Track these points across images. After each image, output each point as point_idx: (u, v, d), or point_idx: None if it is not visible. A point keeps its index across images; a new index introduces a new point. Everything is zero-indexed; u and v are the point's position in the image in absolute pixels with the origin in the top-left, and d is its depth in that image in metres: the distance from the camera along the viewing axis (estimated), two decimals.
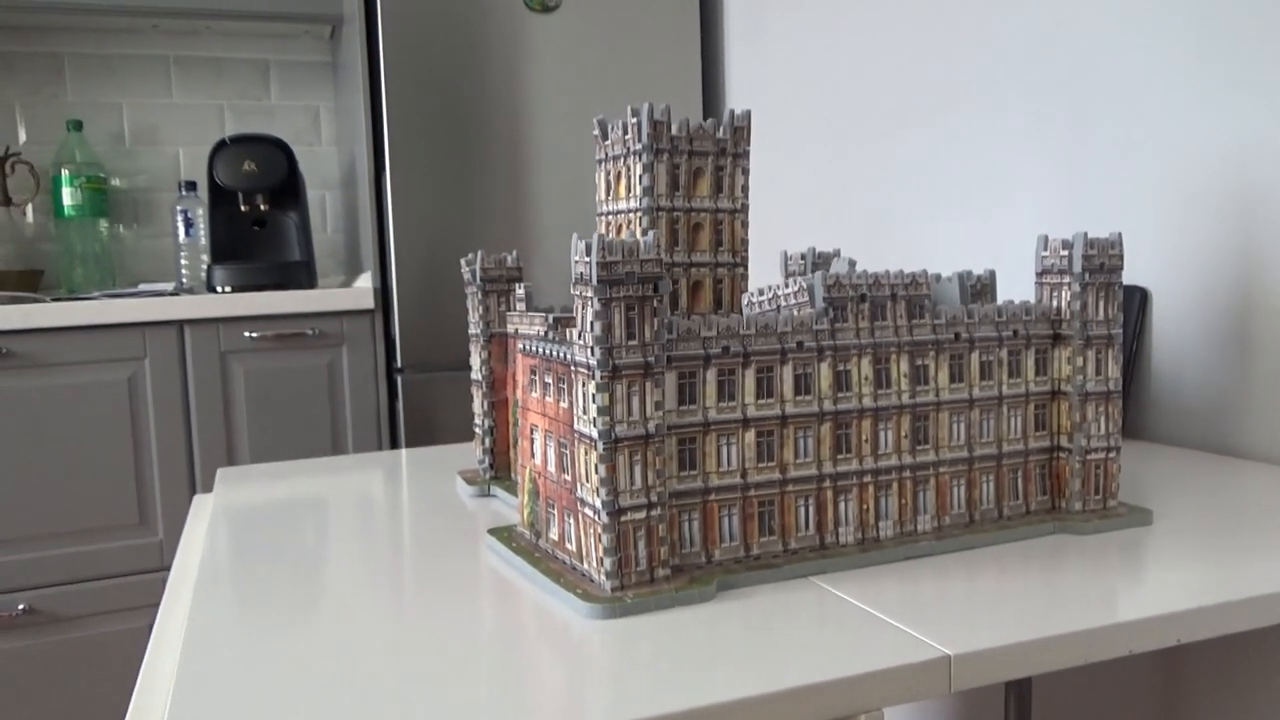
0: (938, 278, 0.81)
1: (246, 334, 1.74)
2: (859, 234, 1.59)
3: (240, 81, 2.32)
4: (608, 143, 0.78)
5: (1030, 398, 0.73)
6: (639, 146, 0.74)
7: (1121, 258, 0.73)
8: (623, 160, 0.76)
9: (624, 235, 0.77)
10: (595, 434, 0.57)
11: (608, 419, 0.57)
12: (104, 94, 2.22)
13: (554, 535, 0.65)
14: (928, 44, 1.41)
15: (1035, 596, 0.58)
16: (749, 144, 0.77)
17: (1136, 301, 1.08)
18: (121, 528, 1.72)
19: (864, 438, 0.66)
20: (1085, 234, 0.72)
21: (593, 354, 0.57)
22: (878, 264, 1.55)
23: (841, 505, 0.66)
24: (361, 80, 1.81)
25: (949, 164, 1.38)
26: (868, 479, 0.67)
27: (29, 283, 2.07)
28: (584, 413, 0.59)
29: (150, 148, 2.27)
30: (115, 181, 2.25)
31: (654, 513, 0.59)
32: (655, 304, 0.58)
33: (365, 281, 1.86)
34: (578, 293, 0.58)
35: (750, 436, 0.63)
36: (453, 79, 1.82)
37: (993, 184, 1.30)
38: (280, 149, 1.88)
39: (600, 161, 0.80)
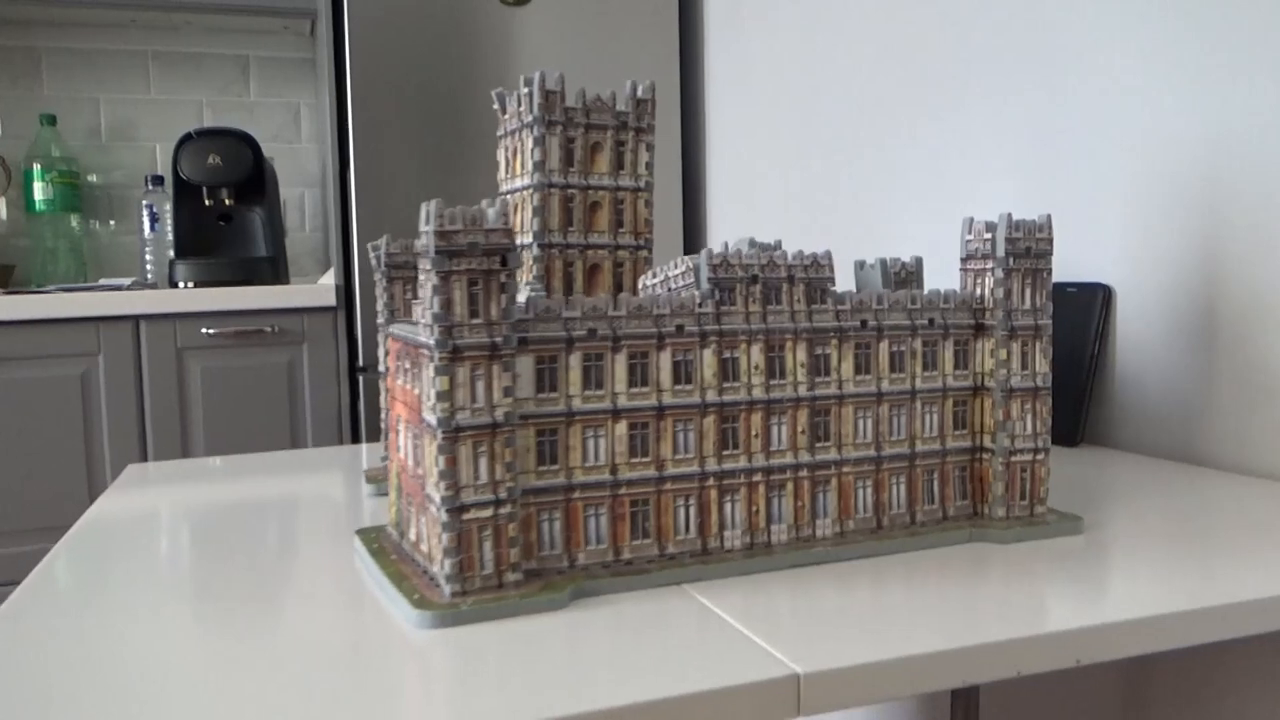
0: (861, 265, 0.75)
1: (204, 330, 1.70)
2: (835, 229, 1.53)
3: (220, 77, 2.29)
4: (506, 117, 0.73)
5: (948, 393, 0.67)
6: (530, 119, 0.68)
7: (1050, 242, 0.67)
8: (518, 135, 0.71)
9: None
10: (434, 421, 0.52)
11: (448, 405, 0.52)
12: (81, 89, 2.20)
13: (412, 535, 0.60)
14: (901, 36, 1.35)
15: (930, 610, 0.52)
16: (654, 118, 0.71)
17: (1100, 299, 1.01)
18: (71, 527, 1.68)
19: (754, 433, 0.61)
20: (1009, 215, 0.66)
21: (431, 333, 0.51)
22: (852, 258, 1.49)
23: (728, 506, 0.60)
24: (327, 75, 1.77)
25: (920, 158, 1.32)
26: (758, 478, 0.61)
27: None
28: (427, 399, 0.53)
29: (127, 143, 2.24)
30: (92, 177, 2.22)
31: (502, 510, 0.53)
32: (503, 279, 0.52)
33: (329, 279, 1.82)
34: (420, 266, 0.53)
35: (621, 429, 0.57)
36: (422, 74, 1.78)
37: (961, 178, 1.24)
38: (246, 143, 1.84)
39: (500, 137, 0.75)
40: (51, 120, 2.09)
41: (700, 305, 0.59)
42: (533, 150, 0.68)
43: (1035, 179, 1.11)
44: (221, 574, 0.62)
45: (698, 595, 0.55)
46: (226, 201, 1.85)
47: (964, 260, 0.69)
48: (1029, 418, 0.67)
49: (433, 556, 0.55)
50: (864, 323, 0.64)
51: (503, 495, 0.53)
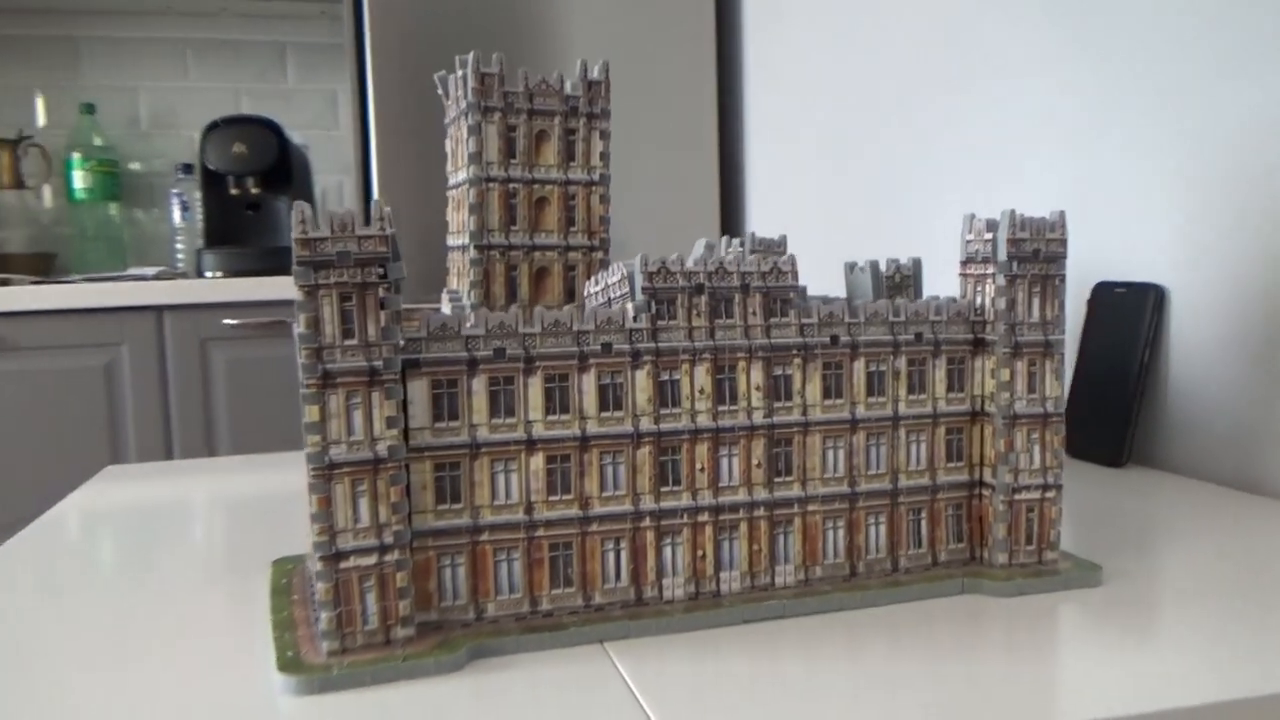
0: (852, 267, 0.66)
1: (225, 321, 1.68)
2: (875, 221, 1.43)
3: (257, 64, 2.28)
4: (449, 103, 0.66)
5: (940, 419, 0.58)
6: (464, 105, 0.61)
7: (1064, 243, 0.57)
8: (458, 123, 0.64)
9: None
10: (306, 457, 0.45)
11: (319, 439, 0.45)
12: (120, 77, 2.21)
13: None
14: (943, 19, 1.24)
15: (882, 686, 0.44)
16: (609, 102, 0.63)
17: (1152, 301, 0.90)
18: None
19: (699, 466, 0.52)
20: (1013, 212, 0.56)
21: (299, 356, 0.45)
22: (897, 253, 1.38)
23: (667, 551, 0.52)
24: (349, 60, 1.72)
25: (960, 146, 1.21)
26: (704, 518, 0.53)
27: (41, 266, 2.06)
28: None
29: (166, 131, 2.24)
30: (133, 165, 2.23)
31: (389, 557, 0.46)
32: (382, 293, 0.45)
33: None
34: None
35: (538, 462, 0.50)
36: (447, 60, 1.72)
37: (1003, 167, 1.12)
38: (272, 130, 1.81)
39: (446, 125, 0.68)
40: (90, 109, 2.10)
41: (633, 320, 0.51)
42: (467, 140, 0.61)
43: (1083, 166, 1.00)
44: (129, 593, 0.56)
45: (617, 659, 0.47)
46: (253, 190, 1.83)
47: (963, 264, 0.60)
48: (1036, 449, 0.58)
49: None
50: (834, 338, 0.55)
51: (388, 540, 0.46)
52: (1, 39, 2.12)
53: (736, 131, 1.88)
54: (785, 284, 0.54)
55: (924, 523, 0.57)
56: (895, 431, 0.56)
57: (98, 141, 2.12)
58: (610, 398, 0.51)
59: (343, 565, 0.46)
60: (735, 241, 0.78)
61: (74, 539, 0.73)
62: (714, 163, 1.84)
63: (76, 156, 2.08)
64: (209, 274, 1.78)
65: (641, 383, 0.51)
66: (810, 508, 0.55)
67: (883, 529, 0.56)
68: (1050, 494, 0.58)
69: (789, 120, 1.67)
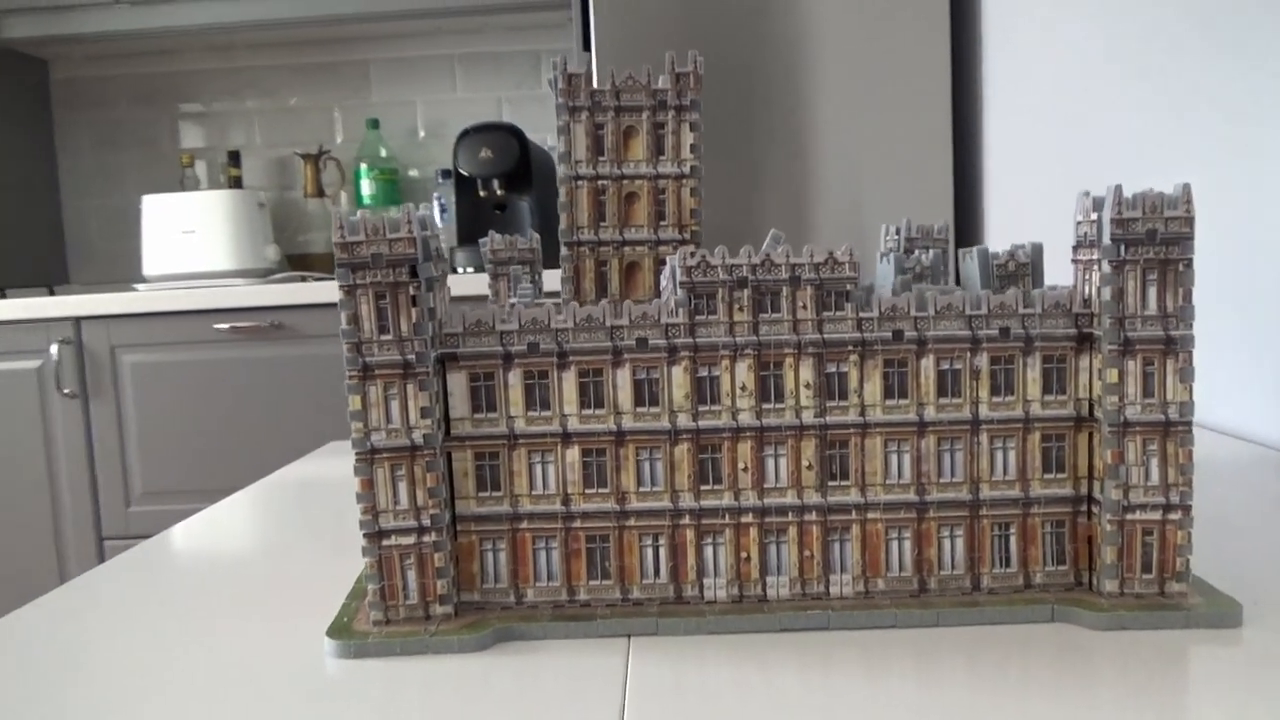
0: (967, 254, 0.60)
1: None
2: None
3: (516, 73, 2.45)
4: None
5: (1034, 424, 0.51)
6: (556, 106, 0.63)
7: (1190, 221, 0.48)
8: None
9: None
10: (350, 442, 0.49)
11: (360, 425, 0.49)
12: (401, 93, 2.46)
13: None
14: None
15: (910, 711, 0.40)
16: (698, 93, 0.63)
17: None
18: None
19: (741, 465, 0.51)
20: (1118, 188, 0.48)
21: (344, 349, 0.49)
22: None
23: (708, 550, 0.51)
24: (578, 64, 1.81)
25: (1212, 130, 1.05)
26: (748, 519, 0.51)
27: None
28: None
29: (439, 140, 2.47)
30: (411, 172, 2.49)
31: (426, 539, 0.50)
32: (412, 291, 0.48)
33: None
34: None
35: (573, 455, 0.51)
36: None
37: (1265, 144, 0.96)
38: (514, 135, 1.95)
39: None
40: (375, 124, 2.37)
41: (672, 313, 0.50)
42: (558, 141, 0.63)
43: None
44: (264, 553, 0.65)
45: (634, 654, 0.47)
46: (498, 191, 1.98)
47: (1074, 249, 0.53)
48: (1154, 462, 0.50)
49: None
50: (898, 333, 0.51)
51: (426, 522, 0.49)
52: (307, 66, 2.45)
53: (973, 115, 1.75)
54: (842, 275, 0.50)
55: (1013, 539, 0.52)
56: (975, 436, 0.51)
57: (382, 153, 2.38)
58: (646, 393, 0.50)
59: (385, 543, 0.49)
60: (893, 229, 0.74)
61: (268, 501, 0.84)
62: (947, 150, 1.73)
63: (364, 166, 2.36)
64: (460, 270, 1.95)
65: (678, 379, 0.50)
66: (870, 515, 0.51)
67: (960, 543, 0.51)
68: (1174, 515, 0.50)
69: (1027, 98, 1.53)
